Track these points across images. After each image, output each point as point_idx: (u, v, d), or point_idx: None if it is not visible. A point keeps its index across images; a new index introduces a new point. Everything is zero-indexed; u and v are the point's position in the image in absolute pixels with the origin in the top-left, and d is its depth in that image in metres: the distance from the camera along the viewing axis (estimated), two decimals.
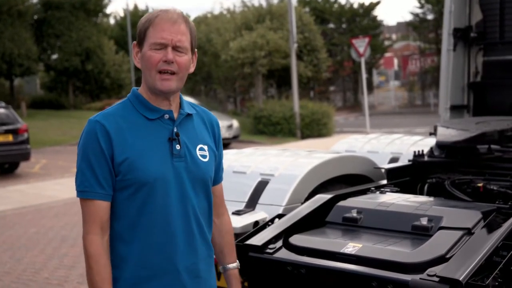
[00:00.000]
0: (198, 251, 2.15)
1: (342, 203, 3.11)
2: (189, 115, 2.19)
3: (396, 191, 3.43)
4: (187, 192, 2.12)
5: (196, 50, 2.20)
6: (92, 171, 2.04)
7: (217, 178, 2.33)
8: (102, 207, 2.05)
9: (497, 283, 2.34)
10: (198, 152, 2.17)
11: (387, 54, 44.44)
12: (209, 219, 2.24)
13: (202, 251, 2.18)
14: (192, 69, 2.18)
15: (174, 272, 2.09)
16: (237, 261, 2.41)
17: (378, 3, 39.85)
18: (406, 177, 3.87)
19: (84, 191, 2.06)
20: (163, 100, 2.13)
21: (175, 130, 2.12)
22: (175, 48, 2.07)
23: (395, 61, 47.97)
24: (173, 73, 2.08)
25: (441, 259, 2.43)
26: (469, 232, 2.64)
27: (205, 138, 2.23)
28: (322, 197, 3.22)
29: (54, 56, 33.23)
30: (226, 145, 18.60)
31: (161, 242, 2.08)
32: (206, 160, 2.19)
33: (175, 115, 2.15)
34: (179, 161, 2.10)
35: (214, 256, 2.30)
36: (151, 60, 2.07)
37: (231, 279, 2.37)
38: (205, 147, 2.20)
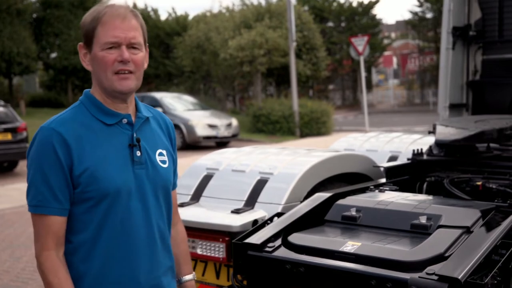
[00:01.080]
0: (160, 263, 2.05)
1: (341, 201, 3.11)
2: (146, 119, 2.07)
3: (395, 190, 3.42)
4: (149, 201, 2.00)
5: (147, 44, 2.06)
6: (47, 184, 1.87)
7: (174, 182, 2.20)
8: (58, 222, 1.90)
9: (495, 282, 2.34)
10: (158, 158, 2.05)
11: (386, 53, 44.48)
12: (170, 227, 2.13)
13: (165, 263, 2.07)
14: (146, 65, 2.04)
15: (135, 287, 1.98)
16: (193, 272, 2.30)
17: (377, 1, 39.86)
18: (405, 176, 3.87)
19: (38, 206, 1.89)
20: (120, 103, 1.99)
21: (135, 135, 1.99)
22: (130, 46, 1.93)
23: (394, 59, 48.00)
24: (130, 72, 1.94)
25: (440, 258, 2.43)
26: (468, 230, 2.64)
27: (164, 142, 2.12)
28: (321, 196, 3.21)
29: (53, 55, 33.16)
30: (225, 144, 18.61)
31: (123, 256, 1.95)
32: (166, 166, 2.07)
33: (133, 119, 2.02)
34: (140, 168, 1.98)
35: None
36: (105, 60, 1.92)
37: None
38: (164, 152, 2.09)
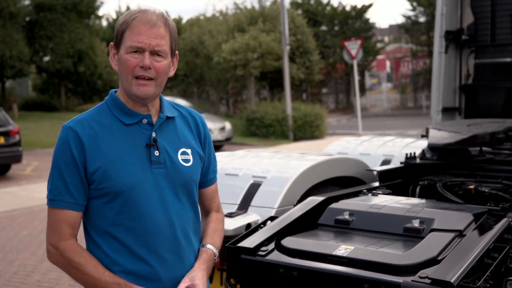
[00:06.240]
0: (185, 262, 2.07)
1: (334, 205, 3.11)
2: (169, 118, 2.10)
3: (388, 193, 3.43)
4: (168, 199, 2.03)
5: (177, 52, 2.10)
6: (62, 179, 1.96)
7: (208, 180, 2.23)
8: (72, 216, 1.98)
9: (488, 285, 2.34)
10: (180, 157, 2.08)
11: (380, 57, 44.54)
12: (196, 226, 2.14)
13: (190, 261, 2.09)
14: (172, 73, 2.09)
15: (159, 283, 2.01)
16: (214, 246, 2.17)
17: (370, 5, 39.97)
18: (398, 179, 3.87)
19: (53, 200, 1.98)
20: (141, 106, 2.04)
21: (153, 135, 2.03)
22: (153, 53, 1.97)
23: (387, 63, 48.07)
24: (150, 79, 1.98)
25: (432, 261, 2.43)
26: (460, 234, 2.65)
27: (189, 141, 2.13)
28: (314, 199, 3.21)
29: (46, 58, 33.09)
30: (219, 147, 18.60)
31: (141, 252, 1.99)
32: (189, 164, 2.09)
33: (154, 119, 2.06)
34: (158, 167, 2.01)
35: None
36: (127, 64, 1.97)
37: (202, 254, 2.13)
38: (189, 151, 2.11)
